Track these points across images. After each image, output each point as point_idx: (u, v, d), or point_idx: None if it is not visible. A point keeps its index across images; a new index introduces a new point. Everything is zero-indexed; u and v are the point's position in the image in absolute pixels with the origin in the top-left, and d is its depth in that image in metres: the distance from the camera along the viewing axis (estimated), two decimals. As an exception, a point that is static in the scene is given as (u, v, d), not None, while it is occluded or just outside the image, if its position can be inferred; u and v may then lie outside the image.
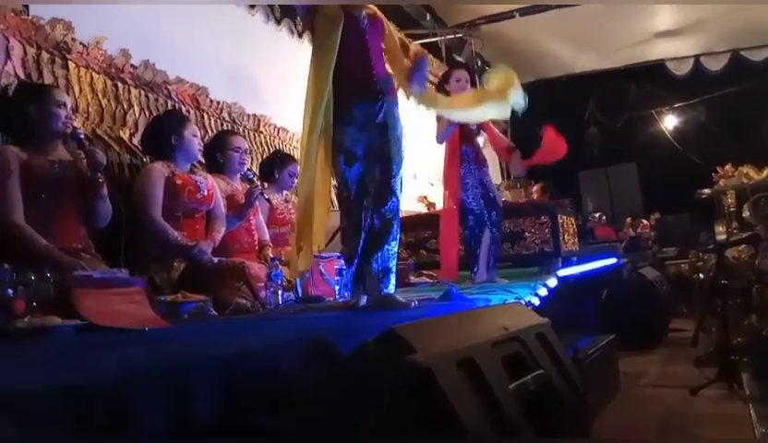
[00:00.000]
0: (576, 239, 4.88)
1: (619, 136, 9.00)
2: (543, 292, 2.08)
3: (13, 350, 1.50)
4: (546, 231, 4.34)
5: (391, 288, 2.12)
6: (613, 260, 3.65)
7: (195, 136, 2.85)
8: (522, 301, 2.16)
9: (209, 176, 2.92)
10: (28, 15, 2.82)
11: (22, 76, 2.69)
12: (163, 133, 2.78)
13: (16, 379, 0.91)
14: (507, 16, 6.87)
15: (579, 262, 2.85)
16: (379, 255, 2.11)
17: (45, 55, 2.82)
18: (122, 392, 0.89)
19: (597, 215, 8.04)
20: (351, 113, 2.13)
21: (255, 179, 3.08)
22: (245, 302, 2.27)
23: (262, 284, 2.48)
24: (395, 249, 2.18)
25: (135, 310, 1.96)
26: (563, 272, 2.38)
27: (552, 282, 2.19)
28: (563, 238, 4.52)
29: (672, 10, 7.01)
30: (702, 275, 4.12)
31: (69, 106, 2.41)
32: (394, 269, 2.16)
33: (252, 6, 4.25)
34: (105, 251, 2.45)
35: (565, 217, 4.68)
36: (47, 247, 2.17)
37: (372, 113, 2.18)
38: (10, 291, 1.76)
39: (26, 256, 2.12)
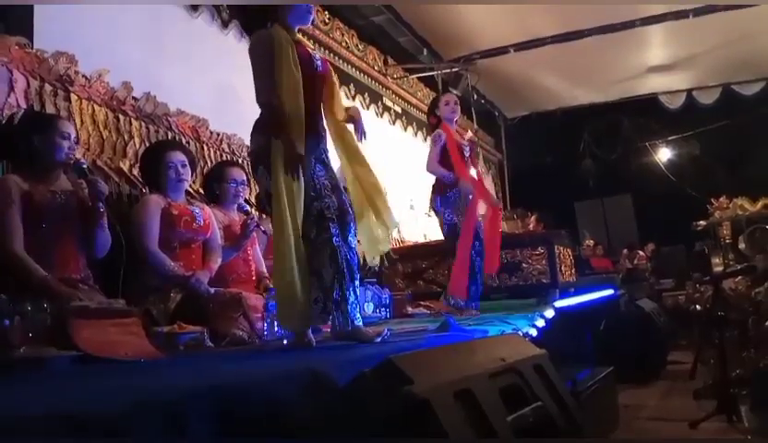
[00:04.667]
0: (573, 270, 4.90)
1: (614, 167, 9.10)
2: (540, 323, 2.08)
3: (9, 381, 1.49)
4: (544, 262, 4.35)
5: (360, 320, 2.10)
6: (610, 291, 3.65)
7: (182, 165, 2.84)
8: (519, 332, 2.16)
9: (205, 207, 2.94)
10: (32, 48, 2.87)
11: (24, 107, 2.73)
12: (152, 165, 2.80)
13: (13, 409, 0.90)
14: (502, 51, 7.00)
15: (576, 293, 2.85)
16: (354, 285, 2.09)
17: (48, 88, 2.86)
18: (116, 422, 0.89)
19: (593, 244, 8.06)
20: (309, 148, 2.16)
21: (251, 211, 3.09)
22: (241, 333, 2.26)
23: (259, 315, 2.47)
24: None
25: (132, 341, 1.96)
26: (560, 303, 2.38)
27: (549, 313, 2.19)
28: (560, 269, 4.53)
29: (664, 45, 7.16)
30: (698, 307, 4.12)
31: (73, 137, 2.44)
32: None
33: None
34: (103, 281, 2.45)
35: (562, 248, 4.70)
36: (45, 278, 2.17)
37: (323, 147, 2.27)
38: (6, 321, 1.76)
39: (24, 285, 2.12)
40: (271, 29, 2.19)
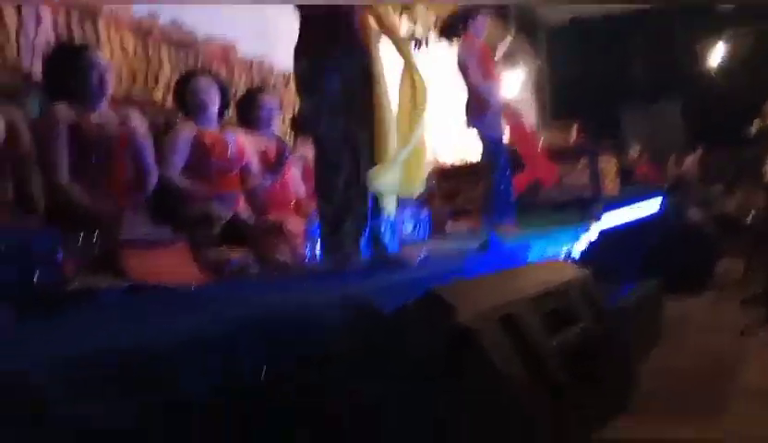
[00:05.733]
0: (617, 182, 4.76)
1: (663, 72, 8.59)
2: (583, 244, 2.03)
3: (64, 315, 1.56)
4: (585, 175, 4.24)
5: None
6: (656, 205, 3.53)
7: (209, 93, 2.79)
8: (562, 252, 2.13)
9: (239, 133, 2.91)
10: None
11: (53, 37, 2.70)
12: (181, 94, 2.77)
13: (68, 347, 0.94)
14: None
15: (620, 205, 2.75)
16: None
17: (75, 18, 2.81)
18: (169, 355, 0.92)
19: (638, 153, 7.78)
20: None
21: (286, 135, 3.05)
22: (284, 259, 2.30)
23: (300, 240, 2.50)
24: None
25: (180, 267, 2.01)
26: (603, 223, 2.31)
27: (592, 233, 2.14)
28: (603, 181, 4.41)
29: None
30: (751, 215, 3.97)
31: (104, 64, 2.40)
32: None
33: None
34: (151, 211, 2.51)
35: (605, 159, 4.55)
36: (94, 208, 2.21)
37: None
38: (60, 254, 1.82)
39: (72, 216, 2.18)
40: None
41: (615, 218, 2.56)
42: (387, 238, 2.00)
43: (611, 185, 4.52)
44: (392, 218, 2.05)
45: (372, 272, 1.88)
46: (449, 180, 4.78)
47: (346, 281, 1.69)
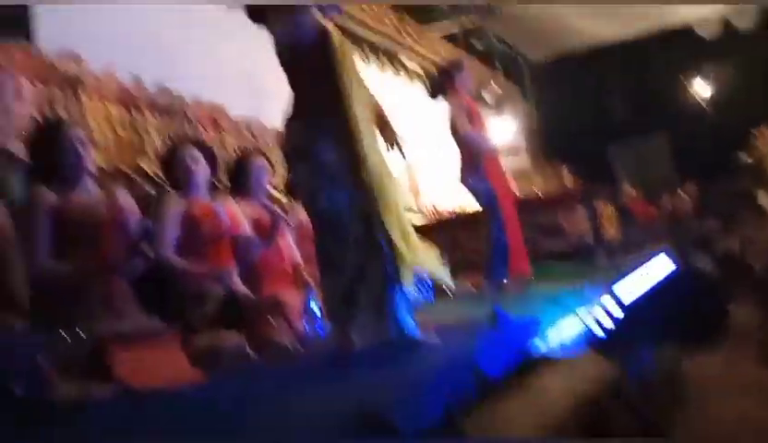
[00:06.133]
0: (616, 224, 4.69)
1: (648, 105, 8.68)
2: (605, 320, 1.92)
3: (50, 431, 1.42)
4: (584, 221, 4.16)
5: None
6: (663, 263, 3.45)
7: (196, 161, 2.70)
8: (575, 314, 2.01)
9: (229, 201, 2.81)
10: (31, 48, 2.72)
11: (36, 115, 2.61)
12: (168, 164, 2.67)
13: None
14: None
15: (627, 275, 2.62)
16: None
17: (57, 91, 2.73)
18: None
19: (632, 190, 7.78)
20: None
21: (279, 200, 2.94)
22: (283, 342, 2.17)
23: (299, 315, 2.37)
24: None
25: (171, 364, 1.87)
26: (616, 295, 2.20)
27: (607, 307, 2.03)
28: (603, 226, 4.34)
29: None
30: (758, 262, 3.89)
31: (83, 139, 2.29)
32: None
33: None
34: (140, 293, 2.37)
35: (602, 202, 4.49)
36: (79, 289, 2.08)
37: None
38: (38, 355, 1.68)
39: (57, 304, 2.05)
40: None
41: (625, 288, 2.46)
42: (399, 315, 1.88)
43: (611, 229, 4.44)
44: (407, 291, 1.93)
45: (382, 358, 1.75)
46: (446, 232, 4.67)
47: (356, 379, 1.56)
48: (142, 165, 2.97)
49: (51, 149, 2.19)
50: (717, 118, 8.45)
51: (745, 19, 8.10)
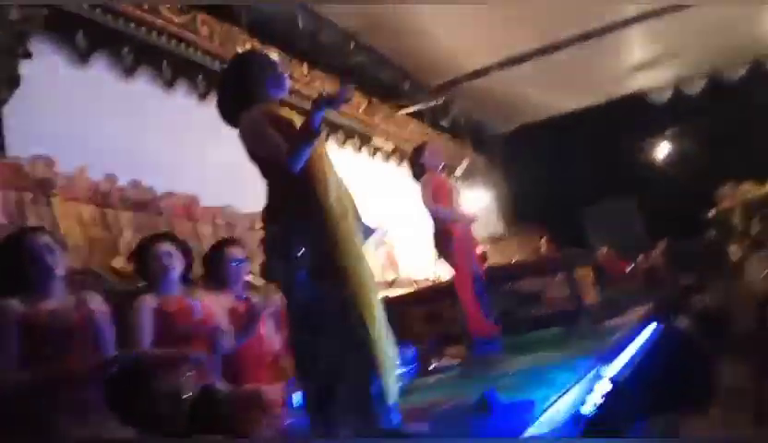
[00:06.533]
0: (594, 288, 4.71)
1: (614, 169, 8.94)
2: (595, 399, 1.88)
3: None
4: (565, 287, 4.17)
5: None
6: (652, 327, 3.46)
7: (168, 256, 2.67)
8: (565, 392, 1.97)
9: (204, 295, 2.75)
10: (4, 157, 2.73)
11: (5, 221, 2.58)
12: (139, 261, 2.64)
13: None
14: (484, 72, 6.92)
15: (616, 354, 2.59)
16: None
17: (28, 196, 2.71)
18: None
19: (605, 251, 7.88)
20: None
21: (250, 297, 2.88)
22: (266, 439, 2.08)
23: (281, 410, 2.28)
24: None
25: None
26: (606, 374, 2.18)
27: (604, 386, 2.01)
28: (582, 290, 4.35)
29: (644, 43, 7.12)
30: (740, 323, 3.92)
31: (51, 247, 2.26)
32: None
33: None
34: (111, 397, 2.27)
35: (581, 268, 4.53)
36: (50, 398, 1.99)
37: None
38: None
39: (25, 412, 1.95)
40: (261, 107, 2.03)
41: (612, 358, 2.45)
42: (381, 406, 1.82)
43: (590, 292, 4.46)
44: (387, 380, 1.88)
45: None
46: (426, 304, 4.64)
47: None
48: (114, 265, 2.92)
49: (16, 259, 2.15)
50: (681, 178, 8.74)
51: (695, 86, 8.62)
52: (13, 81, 2.95)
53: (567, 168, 8.87)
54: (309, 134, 1.87)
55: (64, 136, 3.05)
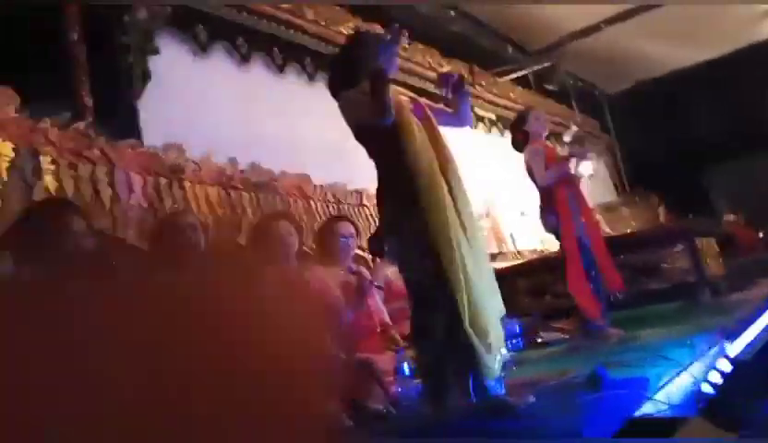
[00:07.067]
0: (720, 259, 4.40)
1: (742, 125, 8.15)
2: (715, 378, 1.80)
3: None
4: (685, 259, 3.93)
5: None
6: None
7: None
8: (686, 372, 1.90)
9: (315, 270, 2.91)
10: (141, 145, 3.04)
11: (145, 204, 2.89)
12: None
13: None
14: (592, 30, 6.55)
15: (741, 333, 2.41)
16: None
17: (163, 181, 3.01)
18: None
19: (733, 217, 7.27)
20: None
21: (360, 271, 3.00)
22: (378, 407, 2.21)
23: (391, 379, 2.41)
24: None
25: None
26: (733, 344, 2.06)
27: (724, 366, 1.91)
28: (704, 261, 4.08)
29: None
30: None
31: (196, 225, 2.47)
32: None
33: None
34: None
35: (704, 237, 4.24)
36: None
37: None
38: None
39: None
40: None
41: (737, 344, 2.30)
42: (492, 379, 1.87)
43: (714, 264, 4.17)
44: (500, 355, 1.93)
45: (478, 422, 1.74)
46: (531, 276, 4.57)
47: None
48: (240, 242, 3.17)
49: (169, 237, 2.40)
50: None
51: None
52: (145, 76, 3.27)
53: (686, 127, 8.21)
54: (380, 77, 1.92)
55: (189, 123, 3.33)
